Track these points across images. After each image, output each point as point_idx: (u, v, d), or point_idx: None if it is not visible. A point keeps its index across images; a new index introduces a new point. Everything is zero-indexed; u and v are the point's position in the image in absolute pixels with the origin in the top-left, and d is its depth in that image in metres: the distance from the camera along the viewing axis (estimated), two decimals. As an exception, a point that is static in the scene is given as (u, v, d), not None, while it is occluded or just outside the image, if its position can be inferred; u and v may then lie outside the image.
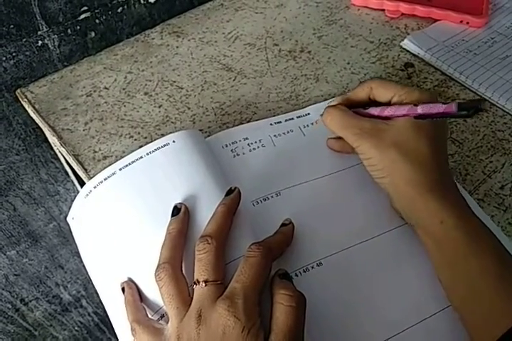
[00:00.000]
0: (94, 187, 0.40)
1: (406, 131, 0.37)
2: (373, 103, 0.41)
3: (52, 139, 0.49)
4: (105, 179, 0.40)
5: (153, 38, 0.57)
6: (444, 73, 0.53)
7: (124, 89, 0.52)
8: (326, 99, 0.50)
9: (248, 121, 0.48)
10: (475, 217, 0.36)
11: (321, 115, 0.42)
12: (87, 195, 0.40)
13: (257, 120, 0.48)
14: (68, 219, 0.42)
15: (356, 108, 0.41)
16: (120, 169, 0.40)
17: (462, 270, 0.34)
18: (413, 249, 0.38)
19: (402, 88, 0.40)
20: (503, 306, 0.33)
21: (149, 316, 0.35)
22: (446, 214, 0.35)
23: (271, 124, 0.46)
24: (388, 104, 0.40)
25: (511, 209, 0.43)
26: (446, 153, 0.39)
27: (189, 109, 0.50)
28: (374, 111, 0.40)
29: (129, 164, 0.40)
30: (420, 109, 0.37)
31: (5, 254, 0.75)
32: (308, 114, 0.48)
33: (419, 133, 0.37)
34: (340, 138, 0.42)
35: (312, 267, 0.37)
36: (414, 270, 0.38)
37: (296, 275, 0.37)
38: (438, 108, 0.36)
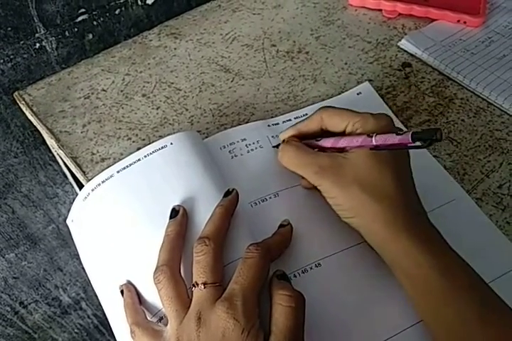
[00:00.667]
0: (92, 190, 0.40)
1: (365, 165, 0.35)
2: (326, 134, 0.39)
3: (51, 141, 0.49)
4: (103, 181, 0.40)
5: (150, 40, 0.57)
6: (442, 73, 0.53)
7: (121, 91, 0.52)
8: (323, 100, 0.50)
9: (246, 122, 0.48)
10: (452, 252, 0.34)
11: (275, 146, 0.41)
12: (86, 197, 0.40)
13: (255, 121, 0.48)
14: (68, 221, 0.42)
15: (308, 140, 0.39)
16: (118, 171, 0.40)
17: (445, 316, 0.32)
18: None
19: (355, 116, 0.37)
20: None
21: (148, 318, 0.35)
22: (421, 255, 0.33)
23: (268, 126, 0.46)
24: (342, 133, 0.38)
25: (509, 209, 0.43)
26: (412, 182, 0.37)
27: (187, 110, 0.50)
28: (327, 142, 0.38)
29: (127, 166, 0.40)
30: (375, 141, 0.35)
31: (4, 257, 0.75)
32: (306, 114, 0.48)
33: (380, 166, 0.35)
34: None
35: (311, 268, 0.37)
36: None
37: (295, 276, 0.37)
38: (393, 139, 0.34)
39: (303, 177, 0.40)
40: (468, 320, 0.32)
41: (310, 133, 0.40)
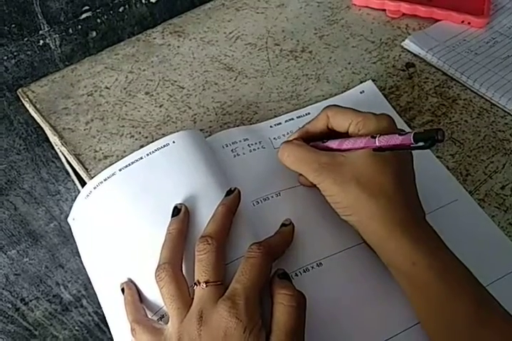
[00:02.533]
0: (95, 188, 0.40)
1: (365, 164, 0.35)
2: (333, 134, 0.39)
3: (53, 139, 0.49)
4: (105, 179, 0.40)
5: (154, 38, 0.57)
6: (445, 73, 0.53)
7: (125, 88, 0.52)
8: (326, 99, 0.50)
9: (249, 121, 0.48)
10: (449, 253, 0.34)
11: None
12: (88, 195, 0.40)
13: (257, 120, 0.48)
14: (69, 219, 0.42)
15: (315, 141, 0.39)
16: (120, 170, 0.40)
17: (441, 315, 0.33)
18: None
19: (358, 115, 0.37)
20: None
21: (149, 316, 0.35)
22: (417, 254, 0.33)
23: (271, 127, 0.46)
24: (347, 133, 0.38)
25: (512, 210, 0.43)
26: (413, 184, 0.37)
27: (190, 108, 0.50)
28: (332, 144, 0.38)
29: (129, 165, 0.40)
30: (378, 142, 0.35)
31: (5, 254, 0.75)
32: (309, 113, 0.48)
33: (381, 165, 0.35)
34: None
35: (312, 267, 0.37)
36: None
37: (296, 275, 0.37)
38: (395, 140, 0.34)
39: (301, 174, 0.40)
40: (465, 318, 0.32)
41: (317, 132, 0.40)
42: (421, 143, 0.33)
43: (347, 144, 0.37)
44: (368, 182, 0.34)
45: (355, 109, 0.38)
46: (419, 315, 0.34)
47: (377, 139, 0.35)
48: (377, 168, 0.35)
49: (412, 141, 0.33)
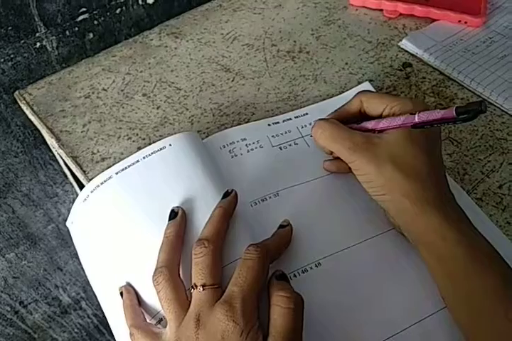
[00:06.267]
0: (92, 192, 0.40)
1: (400, 145, 0.36)
2: (366, 117, 0.40)
3: (51, 141, 0.49)
4: (102, 183, 0.40)
5: (151, 39, 0.57)
6: (443, 73, 0.53)
7: (122, 90, 0.52)
8: (324, 99, 0.50)
9: (247, 122, 0.48)
10: (477, 232, 0.35)
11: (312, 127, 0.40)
12: (85, 199, 0.40)
13: (255, 121, 0.48)
14: (67, 223, 0.42)
15: (349, 124, 0.40)
16: (117, 173, 0.40)
17: (466, 289, 0.33)
18: (411, 250, 0.38)
19: (394, 99, 0.38)
20: (510, 327, 0.31)
21: (147, 320, 0.35)
22: (448, 230, 0.34)
23: (269, 125, 0.46)
24: (380, 117, 0.39)
25: (510, 209, 0.43)
26: (442, 165, 0.38)
27: (187, 110, 0.50)
28: (368, 124, 0.39)
29: (126, 168, 0.40)
30: (417, 118, 0.36)
31: (4, 257, 0.75)
32: (307, 113, 0.48)
33: (414, 146, 0.36)
34: (335, 159, 0.40)
35: (311, 268, 0.37)
36: (412, 270, 0.38)
37: (295, 275, 0.37)
38: (436, 114, 0.35)
39: (326, 160, 0.41)
40: (493, 294, 0.32)
41: (350, 115, 0.40)
42: (464, 116, 0.33)
43: (384, 123, 0.37)
44: (403, 163, 0.35)
45: (389, 94, 0.39)
46: (445, 293, 0.35)
47: (416, 115, 0.36)
48: (412, 150, 0.36)
49: (454, 115, 0.34)
